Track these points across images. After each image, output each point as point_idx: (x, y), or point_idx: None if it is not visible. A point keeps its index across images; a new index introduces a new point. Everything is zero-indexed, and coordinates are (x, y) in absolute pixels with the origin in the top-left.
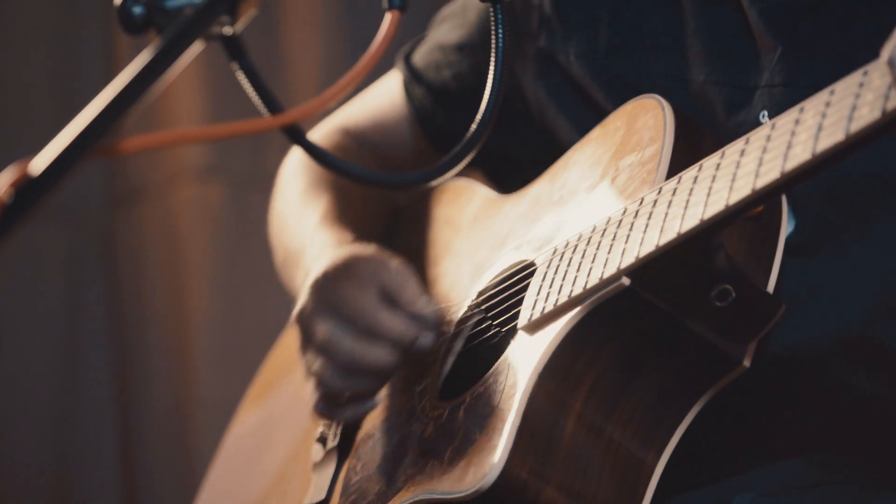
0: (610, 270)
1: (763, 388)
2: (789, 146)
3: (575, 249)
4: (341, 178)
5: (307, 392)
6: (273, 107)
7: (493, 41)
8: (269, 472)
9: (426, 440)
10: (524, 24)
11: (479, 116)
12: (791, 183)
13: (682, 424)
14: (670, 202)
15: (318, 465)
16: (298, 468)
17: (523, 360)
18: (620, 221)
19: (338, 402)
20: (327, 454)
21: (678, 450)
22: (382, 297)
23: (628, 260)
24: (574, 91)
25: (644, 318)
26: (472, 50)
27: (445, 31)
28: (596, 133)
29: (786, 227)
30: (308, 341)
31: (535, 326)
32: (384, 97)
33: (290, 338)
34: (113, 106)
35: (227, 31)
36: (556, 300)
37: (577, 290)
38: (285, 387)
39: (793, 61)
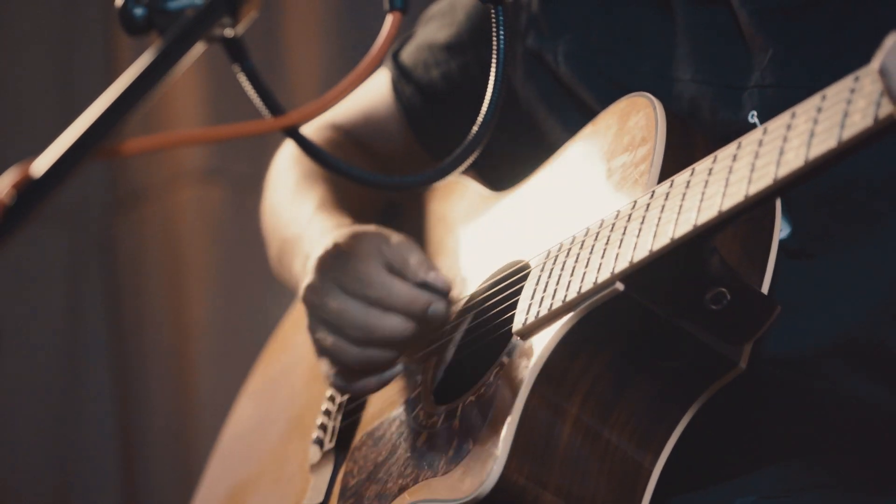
0: (604, 275)
1: (763, 390)
2: (782, 152)
3: (568, 253)
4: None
5: (322, 368)
6: (274, 108)
7: (495, 43)
8: (267, 472)
9: (422, 446)
10: (512, 23)
11: (480, 118)
12: (784, 189)
13: (678, 426)
14: (663, 207)
15: (315, 467)
16: (296, 469)
17: (518, 365)
18: (613, 225)
19: (355, 373)
20: (324, 456)
21: (678, 451)
22: (389, 268)
23: (622, 265)
24: (562, 91)
25: (639, 322)
26: (460, 49)
27: (433, 29)
28: (588, 131)
29: (780, 227)
30: (318, 318)
31: (529, 331)
32: (374, 95)
33: (286, 332)
34: (114, 108)
35: (229, 32)
36: (551, 304)
37: (572, 295)
38: (282, 383)
39: (785, 62)
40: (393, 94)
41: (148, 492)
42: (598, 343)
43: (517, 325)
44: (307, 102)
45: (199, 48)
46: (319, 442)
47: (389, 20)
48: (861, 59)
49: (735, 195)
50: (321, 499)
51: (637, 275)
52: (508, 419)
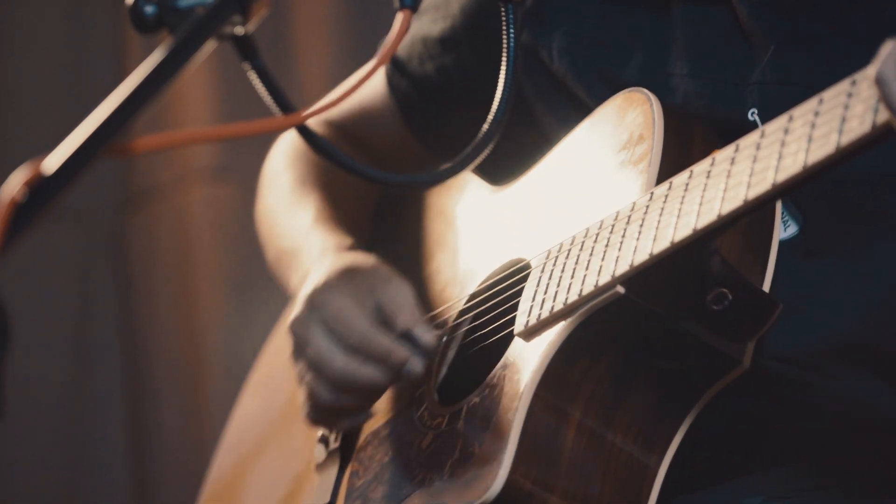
0: (604, 278)
1: (767, 389)
2: (780, 157)
3: (568, 254)
4: (339, 179)
5: (299, 397)
6: (285, 106)
7: (505, 42)
8: (271, 469)
9: (426, 448)
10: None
11: (490, 116)
12: (783, 193)
13: (683, 426)
14: (662, 209)
15: (320, 466)
16: (301, 466)
17: (521, 369)
18: (613, 226)
19: (329, 412)
20: (329, 455)
21: (683, 451)
22: (377, 314)
23: (622, 268)
24: (557, 86)
25: (640, 324)
26: (455, 43)
27: (427, 22)
28: (585, 127)
29: (780, 223)
30: (300, 352)
31: (530, 333)
32: (368, 89)
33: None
34: (125, 105)
35: (239, 30)
36: (552, 307)
37: (573, 297)
38: (286, 376)
39: (785, 59)
40: (387, 88)
41: (157, 490)
42: (600, 345)
43: (518, 326)
44: (317, 100)
45: (209, 46)
46: (324, 441)
47: (399, 18)
48: (863, 55)
49: (734, 199)
50: (327, 499)
51: (637, 277)
52: (513, 424)
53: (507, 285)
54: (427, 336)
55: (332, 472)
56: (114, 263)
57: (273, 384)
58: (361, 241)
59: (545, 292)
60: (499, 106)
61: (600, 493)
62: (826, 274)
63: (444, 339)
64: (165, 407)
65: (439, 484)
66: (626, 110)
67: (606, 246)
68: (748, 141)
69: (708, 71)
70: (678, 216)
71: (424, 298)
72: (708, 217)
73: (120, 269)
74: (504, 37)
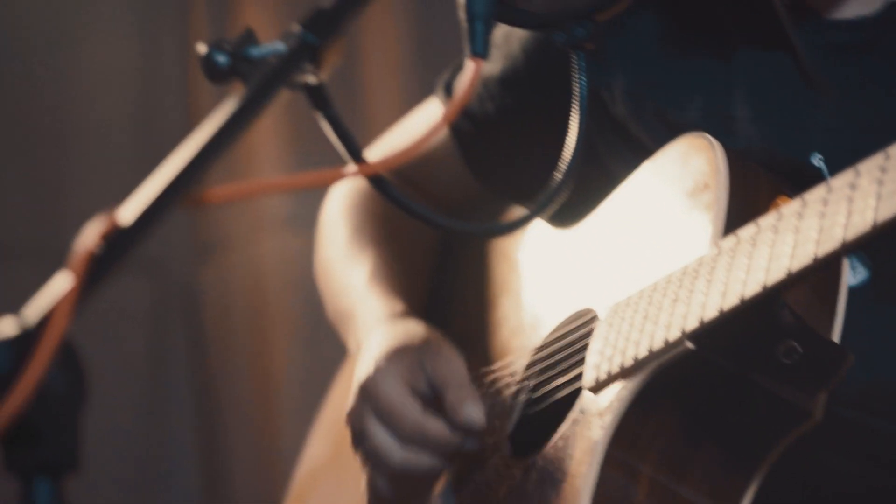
0: (674, 334)
1: (839, 438)
2: (848, 214)
3: (637, 307)
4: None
5: (361, 485)
6: (357, 155)
7: (577, 88)
8: None
9: (503, 500)
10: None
11: (563, 165)
12: (852, 250)
13: (754, 479)
14: (730, 264)
15: None
16: None
17: (591, 425)
18: (681, 281)
19: (391, 499)
20: None
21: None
22: (429, 392)
23: (692, 324)
24: (617, 128)
25: (710, 379)
26: (516, 83)
27: (488, 62)
28: (648, 171)
29: (848, 271)
30: (359, 443)
31: (600, 387)
32: (424, 127)
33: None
34: (199, 156)
35: (312, 79)
36: (621, 362)
37: (642, 353)
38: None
39: (849, 103)
40: (447, 128)
41: None
42: (670, 400)
43: (588, 381)
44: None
45: (281, 95)
46: None
47: (471, 66)
48: None
49: (803, 256)
50: None
51: (707, 333)
52: (585, 483)
53: (575, 338)
54: (475, 415)
55: None
56: (187, 314)
57: (342, 428)
58: (418, 297)
59: (614, 346)
60: (572, 155)
61: None
62: (892, 319)
63: (514, 390)
64: (238, 458)
65: None
66: (690, 156)
67: (675, 301)
68: (814, 196)
69: (771, 115)
70: (747, 272)
71: (491, 347)
72: (777, 274)
73: (193, 319)
74: (575, 83)
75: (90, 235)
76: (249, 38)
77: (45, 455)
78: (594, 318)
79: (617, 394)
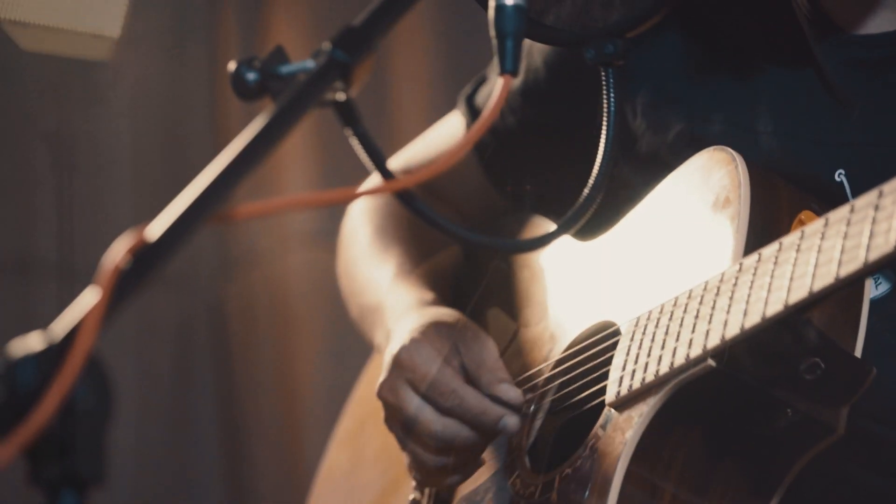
0: (695, 351)
1: (863, 451)
2: (871, 235)
3: (658, 323)
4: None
5: (405, 461)
6: (386, 172)
7: (605, 105)
8: None
9: None
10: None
11: (591, 181)
12: (875, 270)
13: (776, 494)
14: (752, 282)
15: None
16: None
17: (613, 440)
18: (702, 297)
19: (437, 474)
20: None
21: None
22: (463, 372)
23: (713, 341)
24: (636, 141)
25: (732, 395)
26: (538, 96)
27: None
28: (670, 184)
29: (870, 284)
30: (394, 418)
31: (622, 403)
32: (447, 140)
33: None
34: (228, 172)
35: (341, 96)
36: (643, 378)
37: (664, 369)
38: (372, 430)
39: (873, 119)
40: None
41: None
42: (692, 416)
43: (610, 396)
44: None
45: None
46: (416, 503)
47: (500, 83)
48: None
49: (825, 276)
50: None
51: (729, 350)
52: (608, 500)
53: (597, 352)
54: (511, 393)
55: None
56: (212, 328)
57: (362, 436)
58: (443, 294)
59: (635, 362)
60: (599, 171)
61: None
62: None
63: (533, 406)
64: (262, 470)
65: None
66: (712, 170)
67: (696, 317)
68: (838, 215)
69: (793, 129)
70: (769, 291)
71: (512, 356)
72: (800, 293)
73: (219, 333)
74: (605, 100)
75: (118, 251)
76: (279, 55)
77: (72, 468)
78: (615, 332)
79: (638, 409)
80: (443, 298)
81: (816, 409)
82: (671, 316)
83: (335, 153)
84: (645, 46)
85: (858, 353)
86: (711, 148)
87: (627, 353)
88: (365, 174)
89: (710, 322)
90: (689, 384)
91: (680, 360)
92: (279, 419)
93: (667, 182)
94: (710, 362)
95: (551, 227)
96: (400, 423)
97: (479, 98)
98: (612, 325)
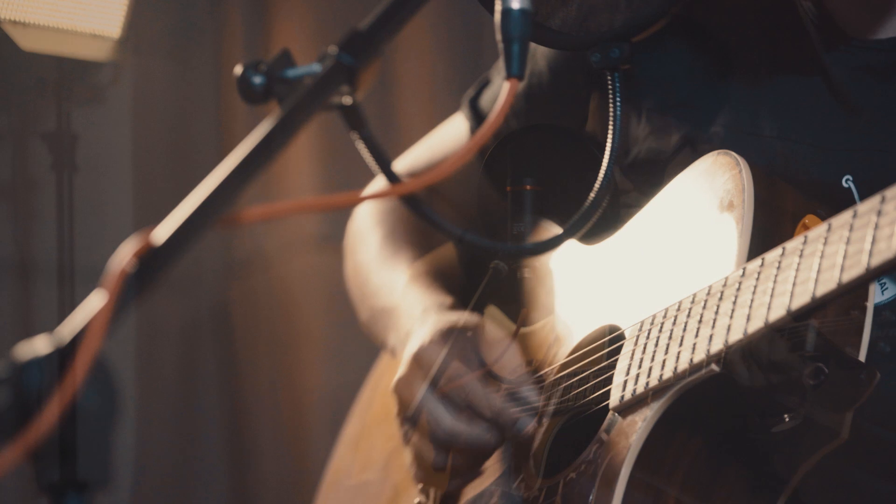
0: (699, 356)
1: (868, 456)
2: (874, 240)
3: (661, 328)
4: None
5: (405, 458)
6: (392, 176)
7: (612, 109)
8: None
9: None
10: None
11: (597, 184)
12: (878, 276)
13: (780, 500)
14: (755, 288)
15: None
16: None
17: (617, 445)
18: (705, 302)
19: (438, 473)
20: None
21: None
22: (483, 373)
23: (717, 346)
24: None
25: (736, 400)
26: (541, 99)
27: None
28: (674, 188)
29: (874, 292)
30: (406, 412)
31: (625, 408)
32: (450, 143)
33: (381, 375)
34: (234, 176)
35: (347, 100)
36: (647, 382)
37: (668, 374)
38: (378, 431)
39: (880, 124)
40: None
41: None
42: (696, 421)
43: (614, 401)
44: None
45: (317, 116)
46: None
47: (506, 86)
48: None
49: (828, 282)
50: None
51: (732, 355)
52: None
53: (601, 356)
54: (533, 395)
55: None
56: (218, 331)
57: (368, 438)
58: (457, 296)
59: (639, 366)
60: (604, 175)
61: None
62: None
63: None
64: (268, 473)
65: None
66: (716, 174)
67: (699, 322)
68: (840, 221)
69: (798, 134)
70: (772, 296)
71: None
72: (802, 298)
73: (224, 336)
74: (610, 104)
75: (124, 255)
76: (286, 58)
77: (77, 472)
78: (620, 336)
79: (642, 414)
80: (458, 303)
81: (820, 414)
82: (675, 321)
83: (341, 157)
84: (652, 52)
85: (863, 357)
86: (716, 152)
87: (632, 358)
88: (370, 178)
89: (713, 327)
90: (693, 389)
91: (683, 365)
92: (283, 421)
93: (671, 186)
94: (714, 367)
95: (557, 230)
96: (411, 419)
97: (483, 100)
98: (617, 329)
